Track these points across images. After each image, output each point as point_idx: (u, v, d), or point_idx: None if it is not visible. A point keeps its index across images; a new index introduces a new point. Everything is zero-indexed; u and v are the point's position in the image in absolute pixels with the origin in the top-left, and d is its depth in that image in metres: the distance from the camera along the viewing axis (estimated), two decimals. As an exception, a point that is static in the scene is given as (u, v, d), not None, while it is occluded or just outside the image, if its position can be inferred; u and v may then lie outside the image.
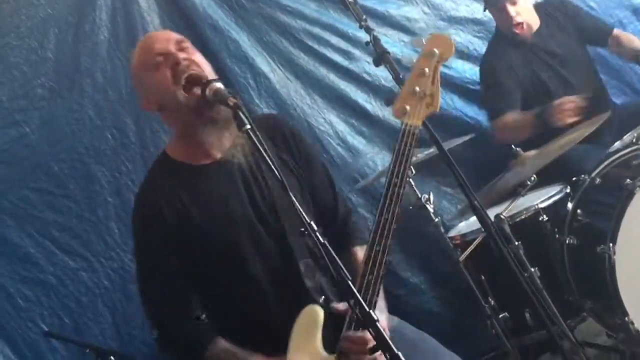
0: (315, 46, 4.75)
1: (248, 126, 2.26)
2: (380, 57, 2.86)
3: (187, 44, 2.67)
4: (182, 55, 2.61)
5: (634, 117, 4.27)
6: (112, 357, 3.43)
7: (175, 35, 2.70)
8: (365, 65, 4.78)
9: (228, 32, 4.60)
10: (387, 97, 2.72)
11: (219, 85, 2.46)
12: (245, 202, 2.67)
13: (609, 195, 3.66)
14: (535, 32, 4.64)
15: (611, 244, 3.36)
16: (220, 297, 2.70)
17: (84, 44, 4.36)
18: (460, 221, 4.27)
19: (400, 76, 2.74)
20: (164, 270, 2.66)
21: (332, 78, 4.78)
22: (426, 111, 2.59)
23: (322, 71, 4.77)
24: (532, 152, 3.69)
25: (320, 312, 2.52)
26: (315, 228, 2.18)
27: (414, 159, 3.80)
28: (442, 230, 3.69)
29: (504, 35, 4.70)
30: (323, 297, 2.63)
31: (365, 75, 4.80)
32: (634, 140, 3.80)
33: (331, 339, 2.45)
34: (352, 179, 4.64)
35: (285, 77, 4.71)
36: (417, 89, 2.58)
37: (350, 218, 3.05)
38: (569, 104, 4.19)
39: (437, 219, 3.63)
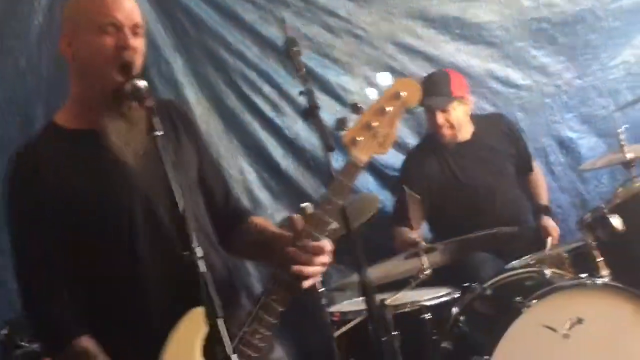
0: (247, 90, 4.70)
1: (159, 133, 2.15)
2: (310, 110, 2.76)
3: (141, 30, 2.48)
4: (132, 41, 2.41)
5: None
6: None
7: (138, 17, 2.46)
8: (291, 121, 4.75)
9: (164, 52, 4.55)
10: (338, 119, 2.55)
11: (142, 82, 2.33)
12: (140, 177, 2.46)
13: (494, 309, 3.65)
14: (465, 140, 4.66)
15: (486, 357, 3.32)
16: (95, 283, 2.46)
17: (15, 25, 4.22)
18: (343, 298, 4.19)
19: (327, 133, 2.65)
20: (39, 240, 2.43)
21: (255, 126, 4.74)
22: (375, 150, 2.46)
23: (247, 117, 4.72)
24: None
25: None
26: (200, 255, 2.06)
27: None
28: (324, 302, 3.62)
29: (431, 139, 4.72)
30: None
31: (288, 131, 4.76)
32: (532, 262, 3.82)
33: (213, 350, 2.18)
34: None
35: (209, 112, 4.66)
36: (374, 124, 2.44)
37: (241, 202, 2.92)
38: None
39: (322, 289, 3.55)
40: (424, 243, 3.75)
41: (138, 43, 2.44)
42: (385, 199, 4.88)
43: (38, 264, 2.46)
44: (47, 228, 2.42)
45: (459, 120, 4.57)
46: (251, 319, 2.34)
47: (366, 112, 2.49)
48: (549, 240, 4.38)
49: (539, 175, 4.96)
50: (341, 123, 2.55)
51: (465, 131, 4.66)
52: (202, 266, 2.07)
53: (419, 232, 4.43)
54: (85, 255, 2.44)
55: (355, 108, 2.59)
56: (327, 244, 2.43)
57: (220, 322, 2.02)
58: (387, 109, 2.46)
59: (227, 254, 2.79)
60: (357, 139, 2.45)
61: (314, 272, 2.40)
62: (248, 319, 2.34)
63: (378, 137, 2.46)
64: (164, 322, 2.37)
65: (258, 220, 2.79)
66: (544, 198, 4.86)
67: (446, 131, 4.55)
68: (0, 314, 3.95)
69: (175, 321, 2.35)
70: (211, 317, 2.03)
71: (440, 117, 4.50)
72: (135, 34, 2.44)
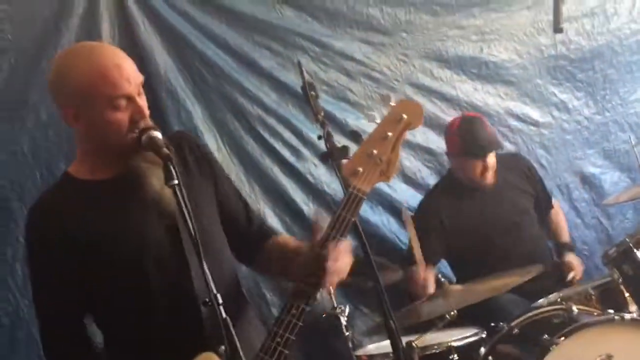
0: (267, 136, 4.70)
1: (175, 182, 2.18)
2: (330, 154, 2.75)
3: (141, 87, 2.51)
4: (142, 106, 2.45)
5: None
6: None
7: (139, 76, 2.49)
8: (311, 166, 4.74)
9: (184, 100, 4.55)
10: (338, 148, 2.52)
11: (157, 134, 2.37)
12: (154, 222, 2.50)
13: (522, 348, 3.60)
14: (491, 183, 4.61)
15: (516, 398, 3.29)
16: (111, 327, 2.56)
17: (36, 79, 4.26)
18: (370, 342, 4.15)
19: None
20: (55, 289, 2.49)
21: (276, 171, 4.72)
22: (378, 179, 2.40)
23: (268, 162, 4.71)
24: (457, 287, 3.63)
25: None
26: (220, 301, 2.07)
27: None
28: (350, 346, 3.60)
29: (453, 179, 4.67)
30: (223, 347, 2.24)
31: (309, 176, 4.75)
32: (559, 300, 3.77)
33: None
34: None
35: (229, 158, 4.64)
36: (375, 152, 2.39)
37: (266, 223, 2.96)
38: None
39: (347, 333, 3.54)
40: (448, 284, 3.71)
41: (144, 101, 2.48)
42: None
43: (53, 308, 2.52)
44: (62, 276, 2.47)
45: (493, 164, 4.53)
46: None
47: (366, 139, 2.45)
48: (571, 274, 4.34)
49: (560, 214, 4.92)
50: (343, 152, 2.49)
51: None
52: (222, 312, 2.08)
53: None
54: (99, 299, 2.51)
55: (354, 136, 2.54)
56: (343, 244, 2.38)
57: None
58: (389, 134, 2.41)
59: (256, 272, 2.81)
60: (358, 169, 2.39)
61: (339, 268, 2.36)
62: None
63: (380, 165, 2.40)
64: None
65: (282, 237, 2.82)
66: (565, 235, 4.83)
67: (487, 177, 4.52)
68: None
69: None
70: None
71: (482, 165, 4.45)
72: (139, 94, 2.47)
